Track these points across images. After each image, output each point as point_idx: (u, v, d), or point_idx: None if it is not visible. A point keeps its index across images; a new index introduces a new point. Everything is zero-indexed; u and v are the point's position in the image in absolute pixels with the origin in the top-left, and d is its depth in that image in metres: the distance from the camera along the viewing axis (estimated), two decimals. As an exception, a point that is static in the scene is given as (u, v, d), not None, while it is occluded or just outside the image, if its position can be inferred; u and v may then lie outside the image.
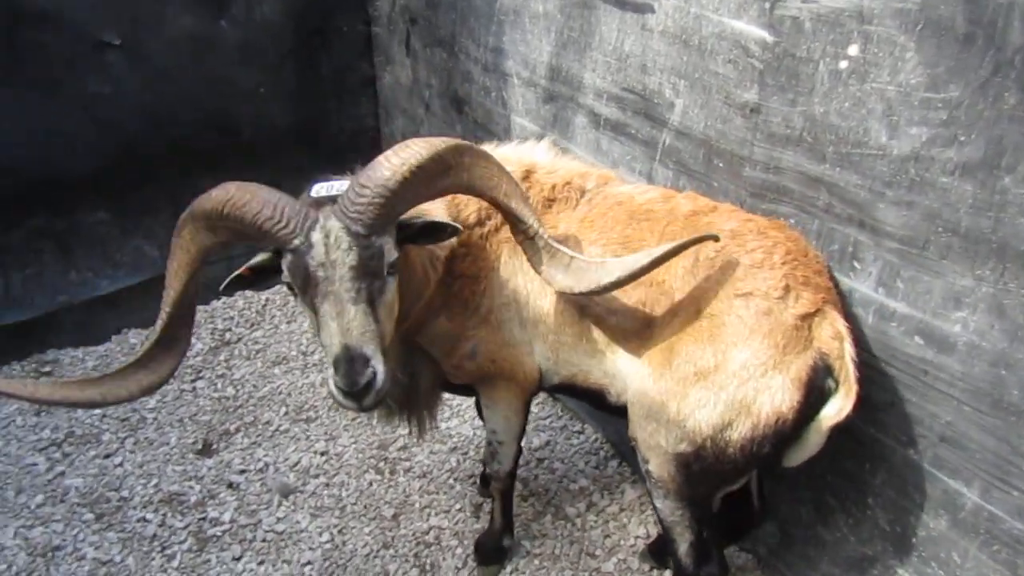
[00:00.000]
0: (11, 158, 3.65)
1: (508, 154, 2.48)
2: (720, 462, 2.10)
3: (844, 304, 2.19)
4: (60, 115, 3.67)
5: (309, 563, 2.97)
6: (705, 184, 2.54)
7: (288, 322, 4.39)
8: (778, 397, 2.00)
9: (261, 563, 2.98)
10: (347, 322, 1.89)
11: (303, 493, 3.29)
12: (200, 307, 4.49)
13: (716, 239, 2.10)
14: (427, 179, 1.99)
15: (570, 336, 2.41)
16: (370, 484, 3.32)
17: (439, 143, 1.99)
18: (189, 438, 3.60)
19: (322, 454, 3.49)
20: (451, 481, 3.32)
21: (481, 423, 3.03)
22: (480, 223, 2.43)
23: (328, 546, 3.04)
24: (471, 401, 3.58)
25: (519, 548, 2.99)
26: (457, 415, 3.68)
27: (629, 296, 2.26)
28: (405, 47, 4.04)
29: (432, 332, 2.45)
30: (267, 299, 4.56)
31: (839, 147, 2.11)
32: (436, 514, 3.16)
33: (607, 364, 2.38)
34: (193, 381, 3.95)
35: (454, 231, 2.11)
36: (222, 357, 4.11)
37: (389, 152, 1.95)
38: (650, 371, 2.18)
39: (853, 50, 2.00)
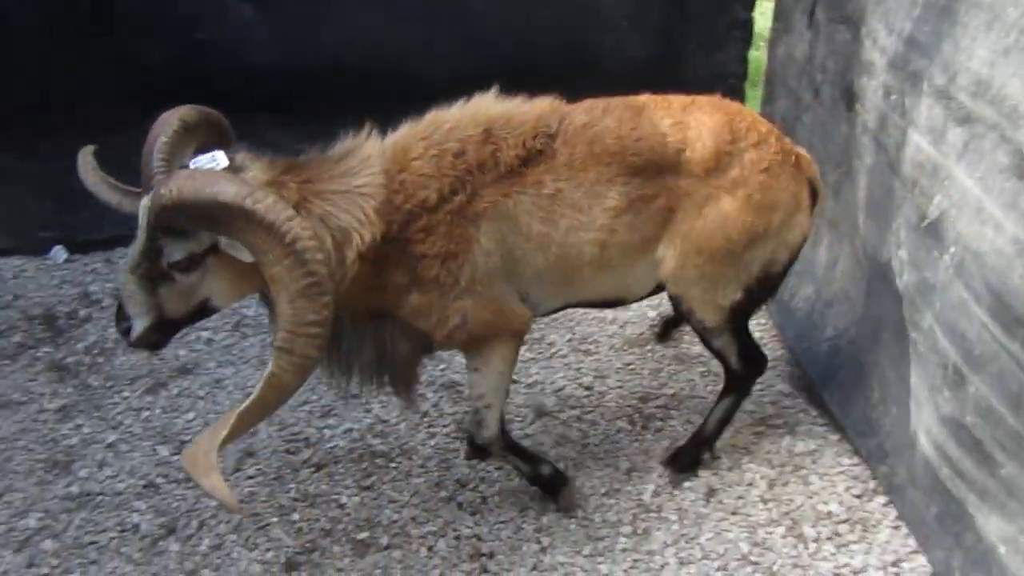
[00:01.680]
0: (384, 63, 4.15)
1: (460, 116, 2.45)
2: (764, 290, 2.80)
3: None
4: (431, 27, 4.07)
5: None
6: None
7: (601, 254, 4.49)
8: (801, 227, 2.71)
9: (499, 469, 3.21)
10: (124, 280, 2.23)
11: (555, 419, 3.44)
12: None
13: None
14: (200, 217, 2.05)
15: (589, 268, 2.57)
16: (618, 431, 3.35)
17: (211, 193, 1.98)
18: (482, 338, 3.95)
19: (586, 388, 3.59)
20: (694, 456, 3.20)
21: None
22: (444, 200, 2.36)
23: (559, 475, 3.16)
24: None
25: (735, 548, 2.81)
26: (729, 392, 3.50)
27: (651, 203, 2.53)
28: (808, 18, 3.51)
29: (408, 308, 2.46)
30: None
31: None
32: (666, 482, 3.09)
33: (625, 277, 2.67)
34: (502, 288, 4.28)
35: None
36: (534, 272, 4.38)
37: (185, 175, 2.05)
38: (700, 247, 2.57)
39: None
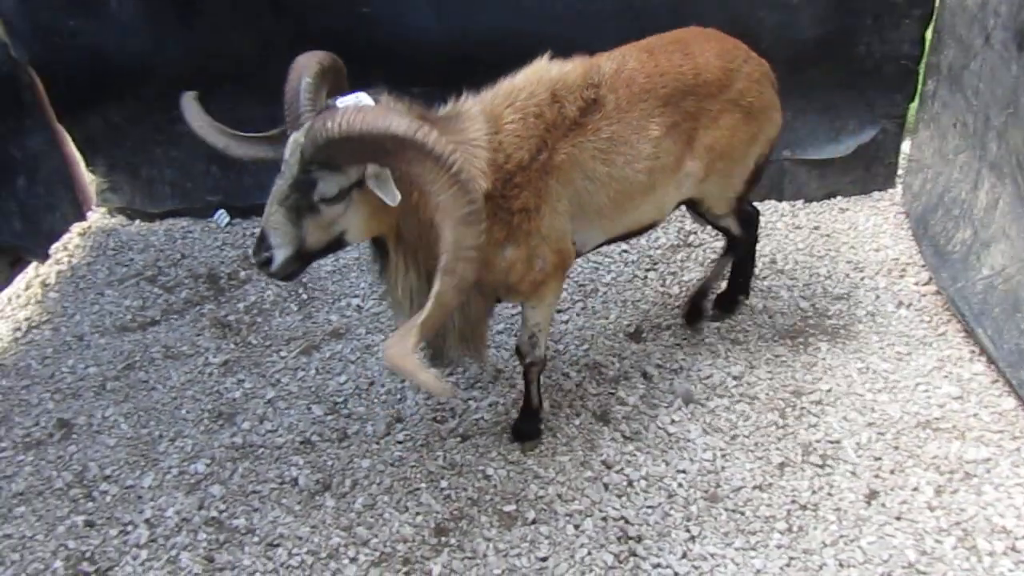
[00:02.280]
0: (543, 34, 4.09)
1: (529, 81, 2.67)
2: (756, 180, 3.28)
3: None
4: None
5: (683, 472, 3.07)
6: None
7: (751, 241, 4.34)
8: (777, 123, 3.19)
9: (647, 454, 3.17)
10: (269, 212, 2.32)
11: (703, 407, 3.36)
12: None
13: None
14: (366, 150, 2.18)
15: (639, 196, 2.90)
16: (768, 424, 3.24)
17: (384, 126, 2.09)
18: (625, 320, 3.90)
19: (735, 378, 3.48)
20: (853, 455, 3.05)
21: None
22: (533, 159, 2.61)
23: (708, 465, 3.09)
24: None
25: (901, 555, 2.67)
26: (889, 390, 3.33)
27: (681, 126, 2.88)
28: None
29: (504, 262, 2.69)
30: (739, 213, 4.55)
31: None
32: (822, 481, 2.97)
33: (663, 198, 3.02)
34: (647, 270, 4.21)
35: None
36: (679, 256, 4.28)
37: (353, 109, 2.16)
38: (720, 154, 3.02)
39: None
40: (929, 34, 4.06)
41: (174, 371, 3.82)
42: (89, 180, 5.00)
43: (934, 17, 3.99)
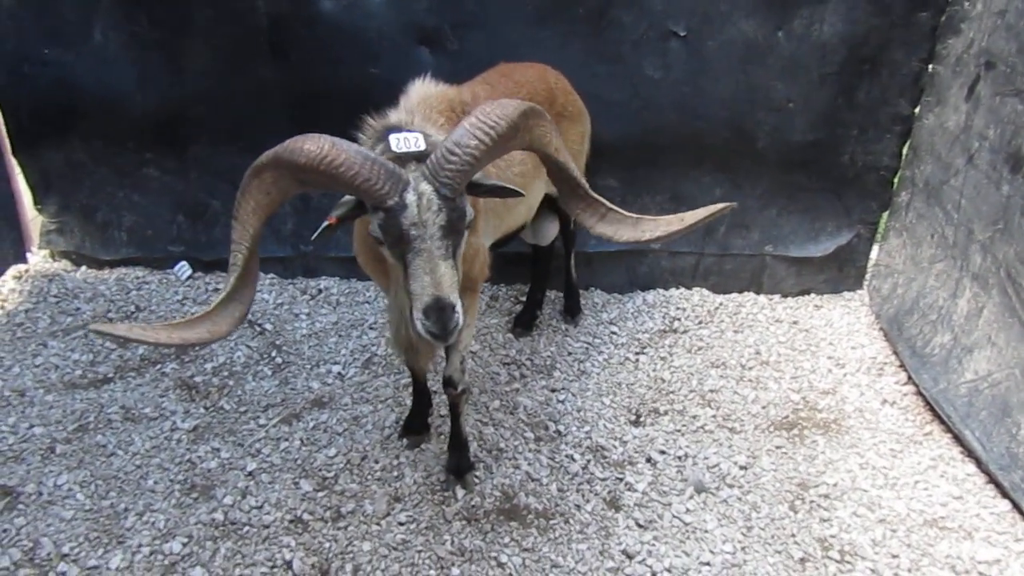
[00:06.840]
0: None
1: (431, 94, 2.79)
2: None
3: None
4: (614, 86, 4.08)
5: (707, 564, 2.97)
6: None
7: (735, 331, 4.40)
8: (588, 119, 3.86)
9: (666, 544, 3.06)
10: (439, 277, 2.18)
11: (715, 496, 3.30)
12: (659, 291, 4.73)
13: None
14: (502, 144, 2.26)
15: (523, 204, 3.38)
16: (782, 516, 3.21)
17: (514, 111, 2.24)
18: (624, 403, 3.84)
19: (741, 467, 3.45)
20: (870, 552, 3.06)
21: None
22: None
23: (729, 557, 3.01)
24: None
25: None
26: (890, 486, 3.38)
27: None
28: (968, 91, 3.69)
29: (470, 251, 2.75)
30: (720, 303, 4.64)
31: None
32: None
33: (533, 197, 3.55)
34: (637, 354, 4.19)
35: (515, 194, 2.47)
36: (667, 342, 4.29)
37: (473, 119, 2.19)
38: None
39: None
40: (906, 150, 4.35)
41: (136, 435, 3.44)
42: (32, 219, 4.57)
43: (911, 134, 4.28)
